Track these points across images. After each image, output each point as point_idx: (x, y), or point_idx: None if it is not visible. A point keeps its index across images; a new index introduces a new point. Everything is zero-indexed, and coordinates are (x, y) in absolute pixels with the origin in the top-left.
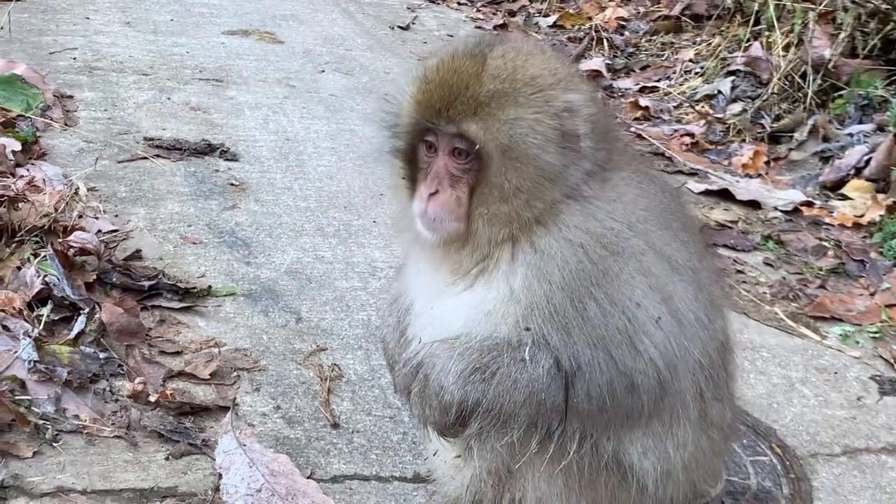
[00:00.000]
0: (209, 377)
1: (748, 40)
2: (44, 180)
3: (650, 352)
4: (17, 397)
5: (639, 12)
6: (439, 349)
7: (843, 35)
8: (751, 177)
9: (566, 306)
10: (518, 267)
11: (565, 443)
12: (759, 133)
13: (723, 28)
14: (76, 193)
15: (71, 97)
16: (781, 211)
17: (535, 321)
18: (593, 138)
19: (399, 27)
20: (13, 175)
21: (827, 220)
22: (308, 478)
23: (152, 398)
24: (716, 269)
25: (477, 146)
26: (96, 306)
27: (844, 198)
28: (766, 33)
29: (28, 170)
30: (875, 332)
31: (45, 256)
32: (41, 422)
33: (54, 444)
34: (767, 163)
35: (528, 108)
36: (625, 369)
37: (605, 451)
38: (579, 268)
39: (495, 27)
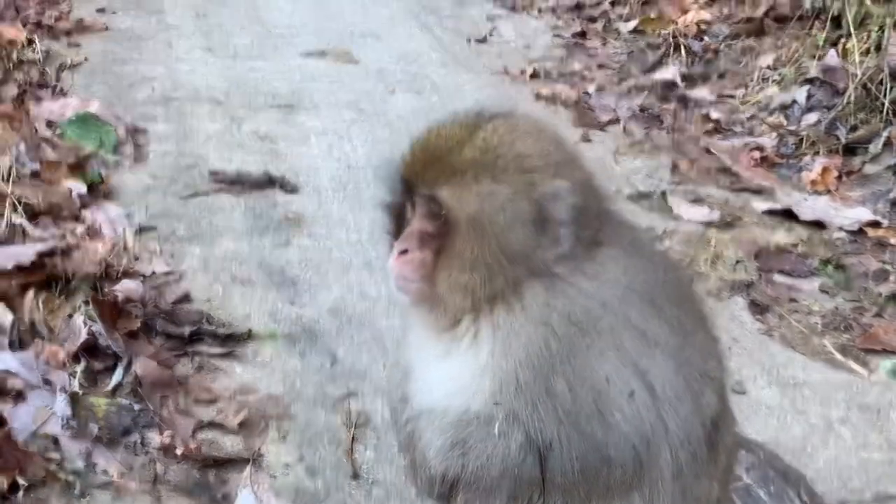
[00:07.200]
0: (238, 427)
1: (824, 46)
2: (100, 226)
3: (622, 427)
4: (49, 455)
5: (722, 14)
6: (424, 422)
7: None
8: (819, 193)
9: (532, 383)
10: (484, 342)
11: None
12: (834, 145)
13: (804, 31)
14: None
15: (145, 131)
16: (846, 231)
17: (505, 396)
18: (575, 225)
19: (476, 40)
20: (77, 219)
21: (893, 241)
22: None
23: (179, 451)
24: (712, 338)
25: (444, 212)
26: (132, 357)
27: None
28: (843, 39)
29: (92, 212)
30: None
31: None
32: (71, 477)
33: (83, 498)
34: (839, 177)
35: (506, 185)
36: (596, 444)
37: None
38: (545, 345)
39: (574, 34)
